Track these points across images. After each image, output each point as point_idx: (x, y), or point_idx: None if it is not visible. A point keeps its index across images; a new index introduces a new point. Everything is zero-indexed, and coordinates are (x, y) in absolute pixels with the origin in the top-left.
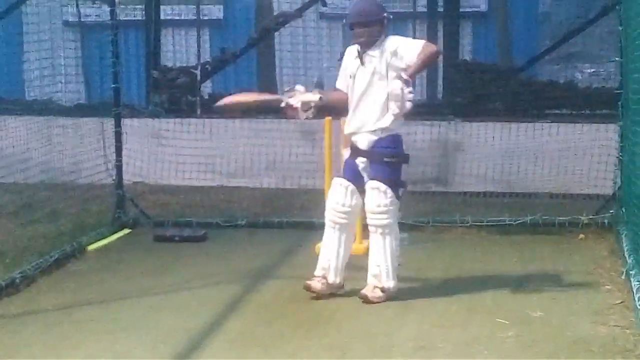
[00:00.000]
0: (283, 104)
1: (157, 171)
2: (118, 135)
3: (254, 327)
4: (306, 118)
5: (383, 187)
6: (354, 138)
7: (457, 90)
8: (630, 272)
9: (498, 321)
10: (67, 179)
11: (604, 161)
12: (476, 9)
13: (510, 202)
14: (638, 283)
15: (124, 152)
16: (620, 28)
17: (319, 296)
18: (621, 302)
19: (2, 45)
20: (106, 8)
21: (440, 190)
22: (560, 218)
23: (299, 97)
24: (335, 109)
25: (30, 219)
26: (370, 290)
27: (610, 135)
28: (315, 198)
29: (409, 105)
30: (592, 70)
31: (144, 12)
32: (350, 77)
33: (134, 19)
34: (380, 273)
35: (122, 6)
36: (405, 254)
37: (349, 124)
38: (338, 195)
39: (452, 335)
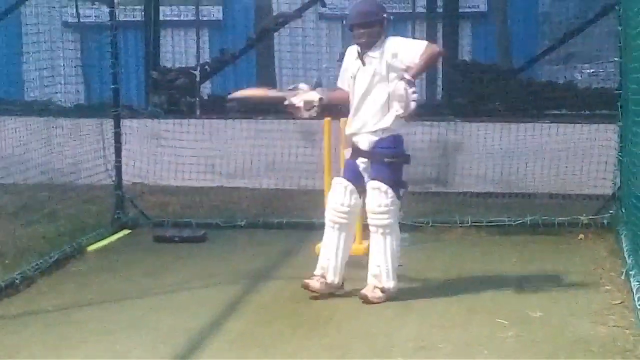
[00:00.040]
0: (286, 102)
1: (157, 172)
2: (117, 136)
3: (253, 327)
4: (309, 117)
5: (384, 187)
6: (354, 139)
7: (456, 91)
8: (630, 272)
9: (498, 321)
10: (67, 180)
11: (604, 161)
12: (475, 9)
13: (510, 202)
14: (638, 283)
15: (123, 153)
16: (620, 28)
17: (318, 296)
18: (621, 303)
19: (2, 46)
20: (105, 9)
21: (440, 191)
22: (560, 218)
23: (302, 96)
24: (337, 108)
25: (30, 220)
26: (370, 290)
27: (610, 135)
28: (315, 199)
29: (413, 105)
30: (592, 70)
31: (143, 13)
32: (351, 77)
33: (133, 19)
34: (381, 273)
35: (122, 7)
36: (405, 254)
37: (350, 124)
38: (338, 195)
39: (452, 336)
